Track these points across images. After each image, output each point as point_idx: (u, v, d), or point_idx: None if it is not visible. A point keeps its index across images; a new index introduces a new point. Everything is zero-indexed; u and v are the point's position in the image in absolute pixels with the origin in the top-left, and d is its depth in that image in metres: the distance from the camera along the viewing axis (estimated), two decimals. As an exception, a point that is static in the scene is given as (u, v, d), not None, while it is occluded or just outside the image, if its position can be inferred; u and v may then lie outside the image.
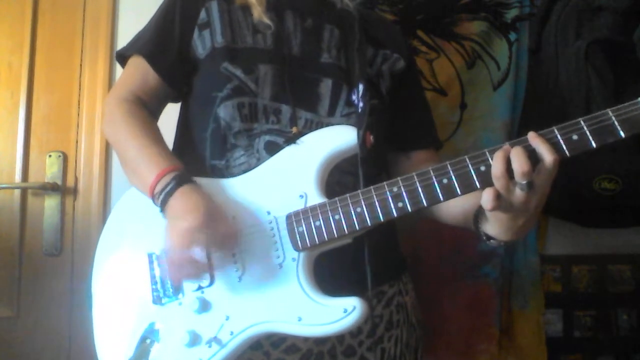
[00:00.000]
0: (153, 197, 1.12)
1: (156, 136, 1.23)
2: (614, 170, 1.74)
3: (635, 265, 2.10)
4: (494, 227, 1.03)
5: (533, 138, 0.94)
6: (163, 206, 1.10)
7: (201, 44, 1.25)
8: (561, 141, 0.93)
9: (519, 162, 0.92)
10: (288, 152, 1.16)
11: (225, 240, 1.08)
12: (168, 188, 1.09)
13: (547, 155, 0.92)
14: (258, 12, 1.25)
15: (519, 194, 0.94)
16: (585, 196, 1.79)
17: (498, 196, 0.94)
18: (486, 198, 0.94)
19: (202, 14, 1.27)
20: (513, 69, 2.00)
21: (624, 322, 2.08)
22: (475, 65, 2.02)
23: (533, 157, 0.93)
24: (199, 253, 1.02)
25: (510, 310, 2.00)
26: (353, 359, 1.20)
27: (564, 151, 0.93)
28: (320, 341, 1.17)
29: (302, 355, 1.17)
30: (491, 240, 1.07)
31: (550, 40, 1.87)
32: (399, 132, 1.39)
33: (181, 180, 1.10)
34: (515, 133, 1.95)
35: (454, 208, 1.18)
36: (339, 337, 1.19)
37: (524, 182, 0.92)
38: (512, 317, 2.00)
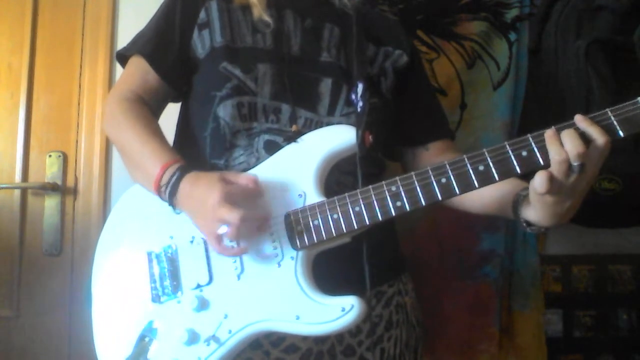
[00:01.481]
0: (159, 189, 1.13)
1: (157, 131, 1.23)
2: (614, 170, 1.74)
3: (635, 265, 2.10)
4: (539, 212, 1.02)
5: (581, 121, 0.94)
6: (172, 197, 1.11)
7: (201, 44, 1.26)
8: (615, 122, 0.93)
9: (573, 144, 0.92)
10: (287, 151, 1.16)
11: (254, 187, 1.09)
12: (174, 178, 1.11)
13: (599, 137, 0.92)
14: (258, 11, 1.26)
15: (571, 176, 0.94)
16: (585, 196, 1.79)
17: (552, 179, 0.93)
18: (540, 182, 0.94)
19: (202, 14, 1.27)
20: (513, 69, 1.99)
21: (624, 322, 2.08)
22: (475, 65, 2.02)
23: (583, 139, 0.93)
24: (240, 216, 1.01)
25: (510, 310, 2.00)
26: (352, 359, 1.20)
27: (618, 131, 0.93)
28: (319, 340, 1.17)
29: (301, 355, 1.16)
30: (531, 227, 1.07)
31: (550, 41, 1.87)
32: (413, 125, 1.39)
33: (184, 170, 1.12)
34: (515, 133, 1.95)
35: (486, 197, 1.18)
36: (339, 337, 1.19)
37: (577, 163, 0.92)
38: (512, 317, 1.99)
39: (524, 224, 1.08)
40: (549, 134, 0.95)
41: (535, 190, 0.97)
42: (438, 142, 1.40)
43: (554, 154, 0.94)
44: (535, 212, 1.03)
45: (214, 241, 1.06)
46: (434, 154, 1.37)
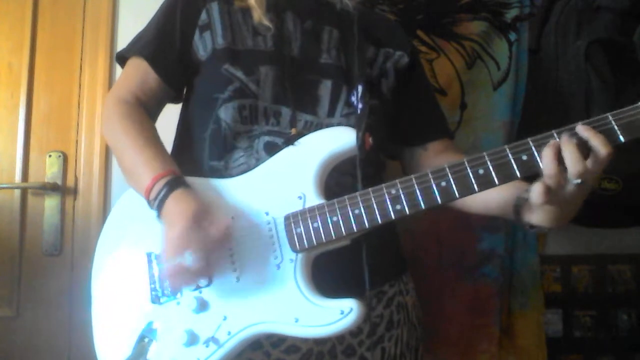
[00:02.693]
0: (149, 200, 1.13)
1: (153, 138, 1.23)
2: (614, 170, 1.74)
3: (635, 265, 2.10)
4: (541, 216, 1.03)
5: (585, 130, 0.93)
6: (159, 210, 1.11)
7: (202, 46, 1.26)
8: (615, 127, 0.93)
9: (573, 162, 0.92)
10: (287, 153, 1.16)
11: (218, 241, 1.08)
12: (161, 195, 1.10)
13: (602, 148, 0.91)
14: (258, 15, 1.26)
15: (570, 187, 0.94)
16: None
17: (549, 191, 0.94)
18: (537, 194, 0.94)
19: (203, 15, 1.27)
20: (513, 69, 1.99)
21: (624, 322, 2.08)
22: (475, 65, 2.01)
23: (584, 151, 0.92)
24: (191, 259, 1.02)
25: (510, 310, 2.00)
26: (353, 359, 1.20)
27: (618, 136, 0.93)
28: (320, 341, 1.17)
29: (302, 355, 1.16)
30: (534, 228, 1.07)
31: (550, 40, 1.87)
32: (412, 126, 1.39)
33: (173, 185, 1.11)
34: (515, 133, 1.95)
35: (488, 200, 1.17)
36: (339, 337, 1.19)
37: (577, 181, 0.92)
38: (512, 317, 1.99)
39: (527, 227, 1.08)
40: (550, 144, 0.94)
41: (534, 201, 0.97)
42: (436, 142, 1.39)
43: (545, 169, 0.94)
44: (537, 216, 1.04)
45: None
46: (432, 154, 1.38)
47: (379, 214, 1.03)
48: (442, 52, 2.02)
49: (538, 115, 1.89)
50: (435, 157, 1.35)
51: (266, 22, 1.25)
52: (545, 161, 0.94)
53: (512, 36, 2.00)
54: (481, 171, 0.98)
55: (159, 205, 1.10)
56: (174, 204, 1.09)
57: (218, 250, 1.09)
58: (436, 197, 1.01)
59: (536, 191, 0.94)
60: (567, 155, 0.92)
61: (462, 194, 1.00)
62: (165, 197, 1.09)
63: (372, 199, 1.04)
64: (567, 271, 2.10)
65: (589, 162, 0.93)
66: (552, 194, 0.94)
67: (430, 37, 2.02)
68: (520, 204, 1.07)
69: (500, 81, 2.00)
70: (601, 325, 2.08)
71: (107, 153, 2.08)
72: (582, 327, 2.08)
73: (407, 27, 1.97)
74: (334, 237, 1.06)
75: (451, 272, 1.97)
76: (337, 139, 1.14)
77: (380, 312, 1.25)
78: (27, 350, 2.02)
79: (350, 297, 1.03)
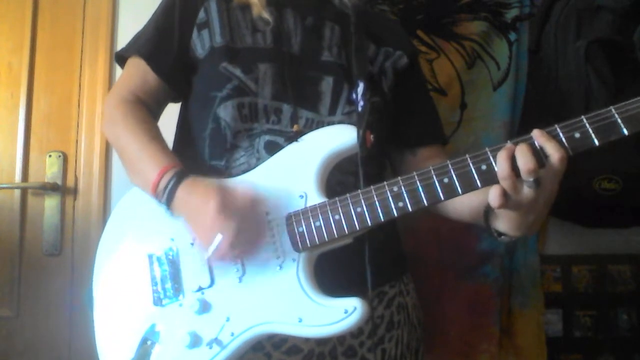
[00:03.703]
0: (156, 194, 1.12)
1: (156, 135, 1.23)
2: (614, 170, 1.75)
3: (635, 265, 2.10)
4: (505, 223, 1.02)
5: (539, 136, 0.93)
6: (169, 202, 1.10)
7: (200, 44, 1.25)
8: (563, 139, 0.93)
9: (524, 160, 0.91)
10: (288, 151, 1.15)
11: (251, 207, 1.07)
12: (171, 184, 1.09)
13: (554, 153, 0.91)
14: (257, 9, 1.25)
15: (526, 191, 0.93)
16: (585, 196, 1.79)
17: (505, 194, 0.93)
18: (493, 196, 0.93)
19: (201, 14, 1.27)
20: (513, 69, 1.99)
21: (624, 322, 2.08)
22: (475, 65, 2.02)
23: (538, 154, 0.92)
24: (233, 233, 1.01)
25: (510, 310, 2.00)
26: (354, 360, 1.20)
27: (567, 149, 0.92)
28: (321, 342, 1.17)
29: (303, 356, 1.16)
30: (502, 237, 1.06)
31: (550, 41, 1.87)
32: (403, 129, 1.38)
33: (181, 176, 1.11)
34: (515, 133, 1.95)
35: (459, 205, 1.17)
36: (340, 338, 1.19)
37: (531, 179, 0.92)
38: (512, 317, 1.99)
39: (495, 234, 1.07)
40: (505, 148, 0.95)
41: (491, 205, 0.96)
42: (426, 148, 1.39)
43: (498, 170, 0.94)
44: (502, 223, 1.03)
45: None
46: (421, 160, 1.36)
47: (382, 212, 1.03)
48: (442, 52, 2.02)
49: (538, 115, 1.89)
50: (423, 163, 1.32)
51: (266, 16, 1.24)
52: (499, 162, 0.94)
53: (512, 36, 2.00)
54: (484, 167, 0.97)
55: (169, 195, 1.10)
56: (187, 193, 1.08)
57: (255, 216, 1.08)
58: (439, 193, 1.00)
59: (492, 194, 0.94)
60: (518, 153, 0.92)
61: (465, 191, 0.99)
62: (176, 186, 1.09)
63: (374, 197, 1.04)
64: (567, 271, 2.10)
65: (545, 165, 0.93)
66: (508, 197, 0.94)
67: (430, 37, 2.02)
68: (488, 211, 1.06)
69: (500, 81, 2.00)
70: (601, 325, 2.08)
71: (107, 153, 2.09)
72: (582, 327, 2.08)
73: (407, 27, 1.97)
74: (336, 235, 1.05)
75: (451, 272, 1.97)
76: (337, 137, 1.13)
77: (381, 312, 1.25)
78: (27, 350, 2.03)
79: (354, 296, 1.03)
